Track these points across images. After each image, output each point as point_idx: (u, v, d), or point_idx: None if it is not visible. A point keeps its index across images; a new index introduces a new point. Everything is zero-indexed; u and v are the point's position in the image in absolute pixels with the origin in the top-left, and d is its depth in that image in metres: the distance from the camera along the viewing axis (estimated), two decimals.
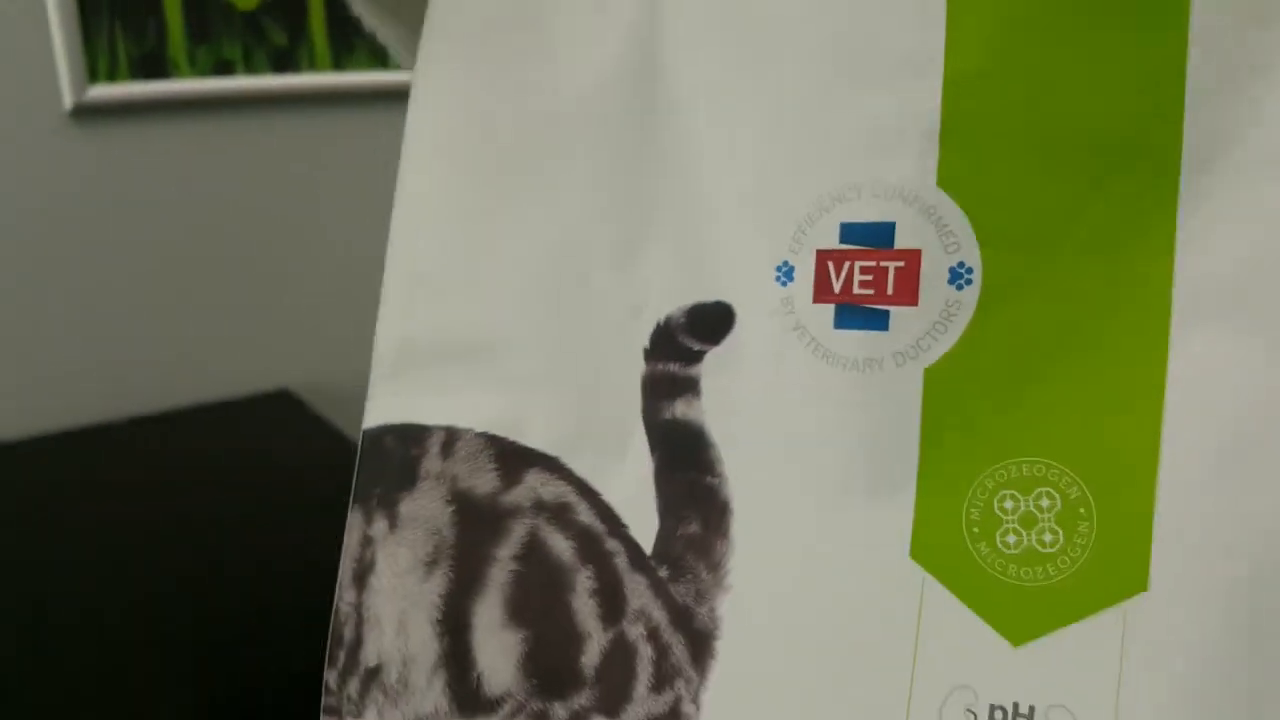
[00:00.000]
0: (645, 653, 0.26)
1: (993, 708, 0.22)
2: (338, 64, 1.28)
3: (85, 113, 1.17)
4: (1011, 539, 0.22)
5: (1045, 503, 0.22)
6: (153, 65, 1.18)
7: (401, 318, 0.28)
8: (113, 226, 1.22)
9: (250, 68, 1.23)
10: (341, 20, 1.26)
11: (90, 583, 0.86)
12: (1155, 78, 0.21)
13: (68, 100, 1.14)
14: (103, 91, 1.16)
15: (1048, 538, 0.22)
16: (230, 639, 0.80)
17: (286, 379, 1.33)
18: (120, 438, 1.16)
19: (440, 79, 0.28)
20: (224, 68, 1.22)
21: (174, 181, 1.25)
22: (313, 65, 1.26)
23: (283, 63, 1.25)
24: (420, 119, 0.29)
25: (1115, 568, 0.21)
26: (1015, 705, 0.22)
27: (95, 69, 1.15)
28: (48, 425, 1.20)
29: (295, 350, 1.36)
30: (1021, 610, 0.22)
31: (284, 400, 1.26)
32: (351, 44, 1.27)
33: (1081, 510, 0.22)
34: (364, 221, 1.32)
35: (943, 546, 0.23)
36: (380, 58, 1.28)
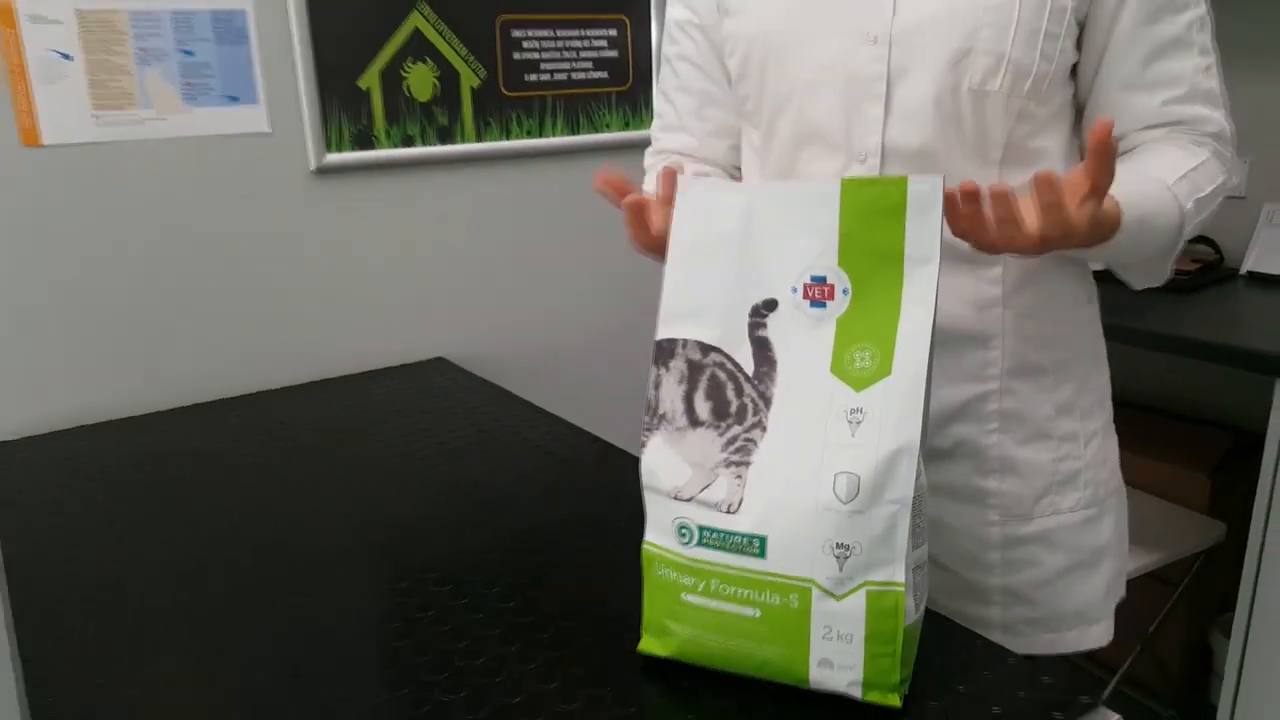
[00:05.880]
0: (750, 406, 0.82)
1: (849, 409, 0.78)
2: (479, 136, 1.75)
3: (323, 172, 1.63)
4: (858, 364, 0.79)
5: (866, 354, 0.79)
6: (364, 139, 1.65)
7: (671, 300, 0.84)
8: (338, 248, 1.68)
9: (424, 141, 1.70)
10: (482, 106, 1.75)
11: (318, 501, 1.13)
12: (894, 249, 0.78)
13: (312, 163, 1.61)
14: (333, 158, 1.63)
15: (867, 362, 0.79)
16: (431, 540, 1.06)
17: (443, 350, 1.80)
18: (337, 389, 1.62)
19: (681, 222, 0.85)
20: (408, 141, 1.69)
21: (377, 218, 1.70)
22: (464, 138, 1.74)
23: (445, 136, 1.72)
24: (676, 234, 0.85)
25: (882, 369, 0.78)
26: (859, 408, 0.78)
27: (329, 142, 1.62)
28: (287, 380, 1.66)
29: (448, 329, 1.81)
30: (859, 381, 0.79)
31: (443, 364, 1.75)
32: (488, 122, 1.76)
33: (877, 354, 0.78)
34: (497, 241, 1.84)
35: (839, 367, 0.79)
36: (506, 132, 1.80)
